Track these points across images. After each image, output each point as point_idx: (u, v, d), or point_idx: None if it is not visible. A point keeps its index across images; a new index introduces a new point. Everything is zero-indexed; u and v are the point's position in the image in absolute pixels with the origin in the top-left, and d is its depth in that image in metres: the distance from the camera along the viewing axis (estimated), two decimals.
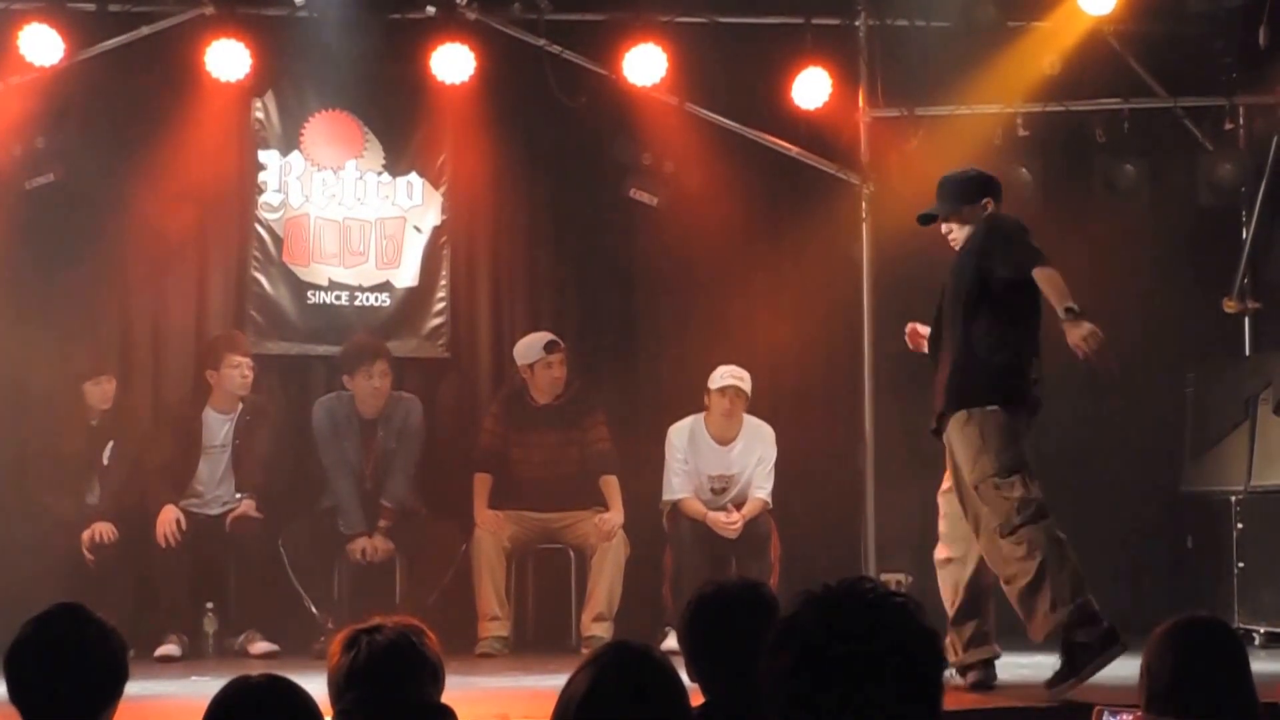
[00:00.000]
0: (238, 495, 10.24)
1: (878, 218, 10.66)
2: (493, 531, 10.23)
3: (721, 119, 10.69)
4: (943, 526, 8.11)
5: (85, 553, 10.02)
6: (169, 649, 9.73)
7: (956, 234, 8.04)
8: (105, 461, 10.30)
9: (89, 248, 10.63)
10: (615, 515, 10.32)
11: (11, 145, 10.34)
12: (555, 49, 10.44)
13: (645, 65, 10.45)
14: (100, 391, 10.33)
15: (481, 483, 10.36)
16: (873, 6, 10.69)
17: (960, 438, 7.75)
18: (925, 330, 8.25)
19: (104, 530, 10.07)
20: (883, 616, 2.77)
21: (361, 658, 4.03)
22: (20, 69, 10.18)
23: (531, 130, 10.97)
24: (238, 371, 10.26)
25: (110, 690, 4.03)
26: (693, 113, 10.69)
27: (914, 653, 2.76)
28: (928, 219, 8.17)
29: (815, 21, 10.58)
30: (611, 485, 10.39)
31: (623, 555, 10.25)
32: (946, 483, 8.00)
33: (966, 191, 8.09)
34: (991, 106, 10.60)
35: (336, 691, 4.08)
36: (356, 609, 9.87)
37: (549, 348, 10.41)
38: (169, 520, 10.01)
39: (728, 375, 10.28)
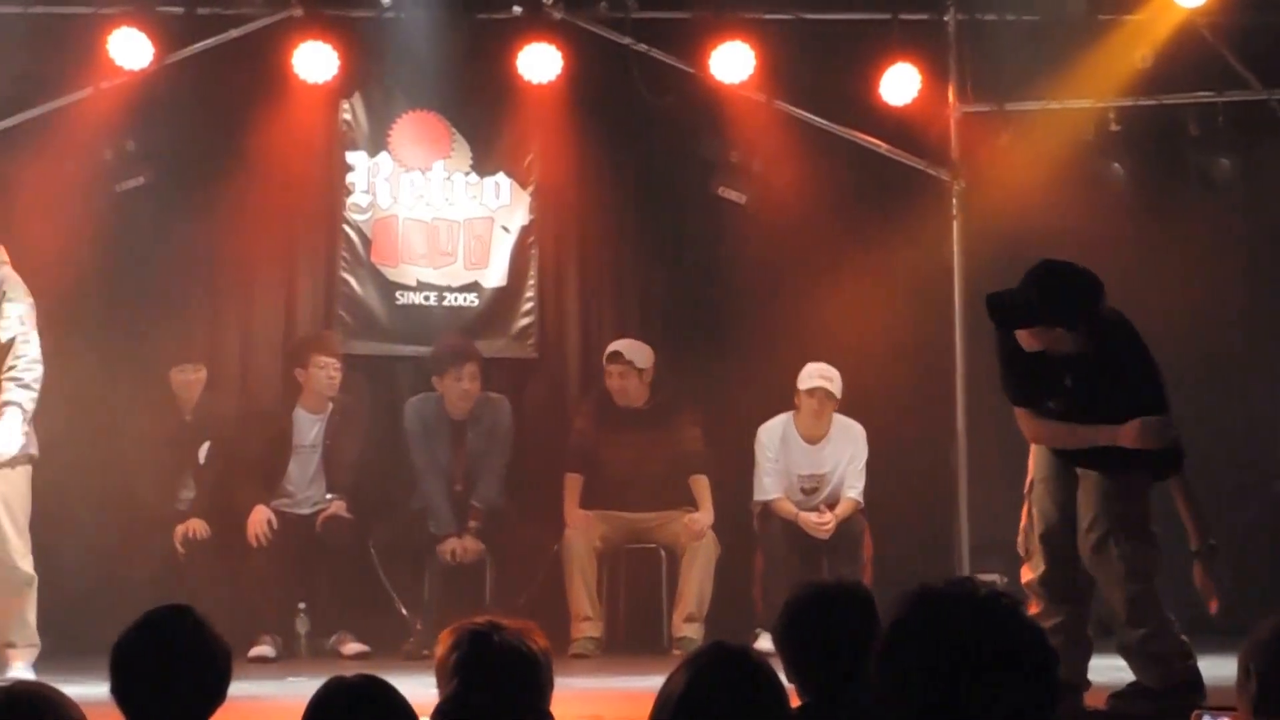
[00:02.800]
0: (329, 496, 10.27)
1: (968, 214, 10.58)
2: (584, 532, 10.21)
3: (810, 116, 10.63)
4: None
5: (178, 545, 10.11)
6: (263, 650, 9.75)
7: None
8: (201, 460, 10.36)
9: (178, 250, 10.70)
10: (705, 515, 10.28)
11: (102, 149, 10.40)
12: (642, 47, 10.40)
13: (733, 63, 10.41)
14: (186, 380, 10.39)
15: (572, 483, 10.34)
16: (961, 1, 10.60)
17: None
18: None
19: (197, 527, 10.15)
20: (994, 617, 2.74)
21: (474, 655, 4.00)
22: (110, 73, 10.23)
23: (619, 129, 10.94)
24: (324, 372, 10.30)
25: (215, 693, 4.04)
26: (781, 110, 10.64)
27: (1028, 652, 2.73)
28: None
29: (903, 17, 10.50)
30: (702, 485, 10.35)
31: (713, 555, 10.21)
32: None
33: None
34: (1083, 101, 10.49)
35: (442, 686, 4.07)
36: (446, 610, 9.89)
37: (608, 358, 10.43)
38: (260, 520, 10.05)
39: (816, 375, 10.22)
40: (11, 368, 8.33)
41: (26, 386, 8.34)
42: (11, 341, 8.37)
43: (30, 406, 8.44)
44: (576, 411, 10.70)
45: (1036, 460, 7.48)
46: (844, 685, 4.07)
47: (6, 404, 8.37)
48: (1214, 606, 7.11)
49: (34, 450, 8.68)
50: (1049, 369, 7.19)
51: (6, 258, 8.41)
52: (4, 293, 8.28)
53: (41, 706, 3.66)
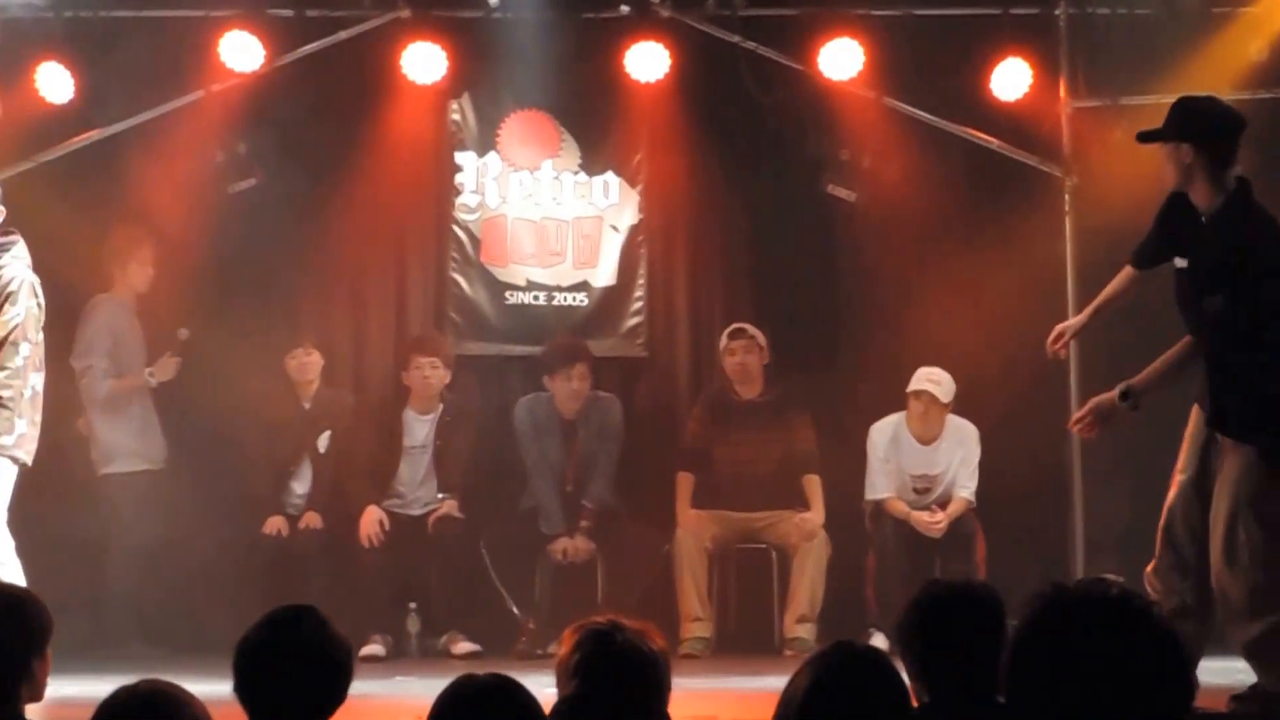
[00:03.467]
0: (440, 496, 10.29)
1: (1081, 210, 10.48)
2: (695, 532, 10.18)
3: (920, 112, 10.56)
4: None
5: (275, 532, 10.26)
6: (374, 649, 9.78)
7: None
8: (321, 450, 10.42)
9: (291, 251, 10.77)
10: (816, 515, 10.24)
11: (214, 151, 10.50)
12: (750, 45, 10.39)
13: (841, 59, 10.37)
14: (301, 364, 10.46)
15: (684, 482, 10.32)
16: None
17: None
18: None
19: (312, 520, 10.22)
20: (1128, 618, 2.71)
21: (596, 655, 4.00)
22: (221, 76, 10.32)
23: (727, 127, 10.89)
24: (420, 372, 10.34)
25: (337, 694, 4.05)
26: (890, 106, 10.58)
27: (1162, 654, 2.70)
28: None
29: (1013, 11, 10.41)
30: (814, 485, 10.31)
31: (824, 556, 10.17)
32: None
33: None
34: (1198, 95, 10.35)
35: (561, 685, 4.07)
36: (557, 610, 9.94)
37: (731, 335, 10.40)
38: (372, 521, 10.09)
39: (923, 379, 10.16)
40: None
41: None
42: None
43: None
44: (689, 412, 10.67)
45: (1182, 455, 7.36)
46: (969, 686, 4.04)
47: None
48: None
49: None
50: (1180, 240, 7.11)
51: (22, 250, 8.17)
52: (9, 294, 8.02)
53: (168, 704, 3.68)
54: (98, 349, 10.42)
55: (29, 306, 7.84)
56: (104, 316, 10.48)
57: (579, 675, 4.00)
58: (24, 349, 7.79)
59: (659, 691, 4.13)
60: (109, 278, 10.54)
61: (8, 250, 7.91)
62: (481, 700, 3.66)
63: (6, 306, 7.78)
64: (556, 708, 3.96)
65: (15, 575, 7.82)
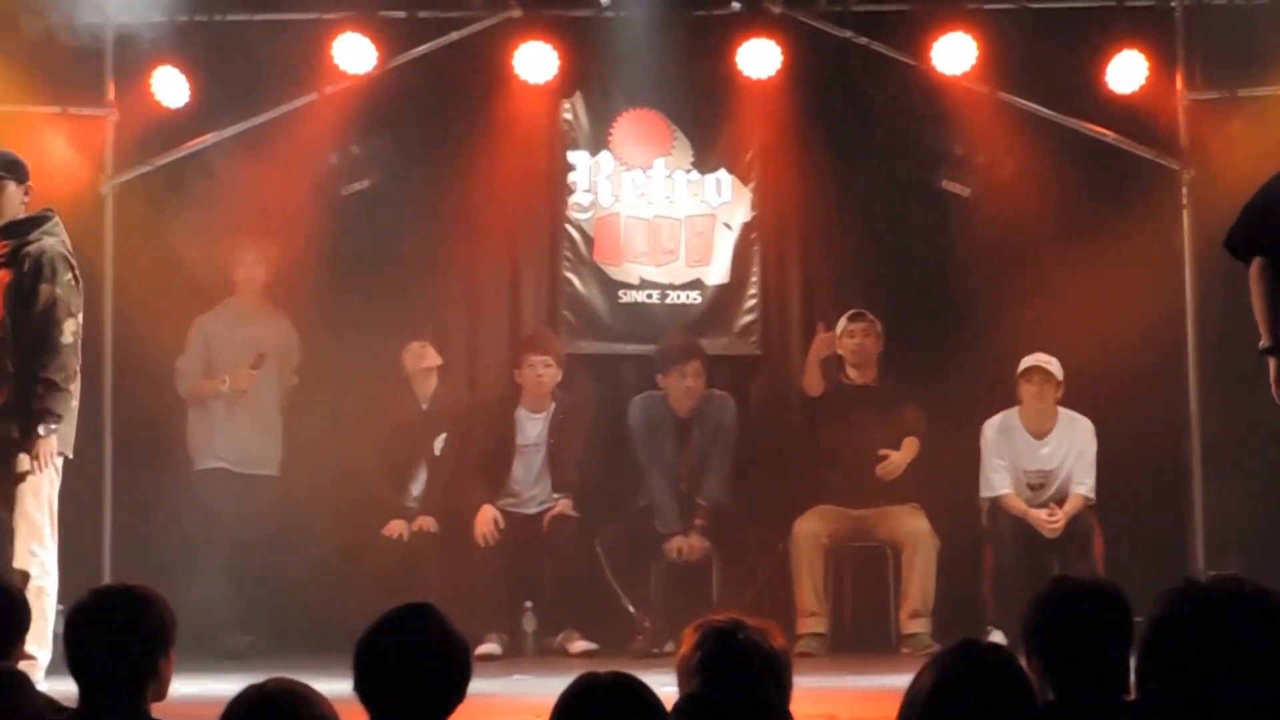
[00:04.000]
0: (554, 495, 10.29)
1: (1199, 204, 10.35)
2: (812, 528, 10.15)
3: (1034, 106, 10.47)
4: None
5: (404, 538, 10.29)
6: (489, 647, 9.79)
7: None
8: (436, 452, 10.45)
9: (403, 252, 10.83)
10: (902, 456, 10.25)
11: (327, 153, 10.59)
12: (862, 40, 10.34)
13: (955, 54, 10.31)
14: (415, 355, 10.51)
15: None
16: None
17: None
18: None
19: (426, 523, 10.25)
20: (1263, 614, 2.67)
21: (719, 653, 3.99)
22: (335, 78, 10.40)
23: (840, 123, 10.83)
24: (533, 371, 10.35)
25: (456, 691, 4.05)
26: (1004, 100, 10.50)
27: None
28: None
29: (1129, 3, 10.33)
30: (911, 444, 10.30)
31: (932, 550, 10.11)
32: None
33: None
34: None
35: (683, 683, 4.06)
36: (673, 608, 9.94)
37: (850, 318, 10.41)
38: (487, 520, 10.12)
39: (1031, 359, 10.11)
40: (43, 366, 7.82)
41: (58, 388, 7.86)
42: (41, 328, 7.88)
43: (63, 410, 7.90)
44: (815, 409, 10.60)
45: None
46: (1096, 684, 4.00)
47: (42, 412, 7.83)
48: None
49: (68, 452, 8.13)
50: None
51: (56, 226, 8.16)
52: (41, 269, 8.00)
53: (296, 702, 3.69)
54: (190, 350, 10.54)
55: (67, 280, 7.89)
56: (209, 318, 10.55)
57: (702, 673, 3.99)
58: (70, 325, 7.84)
59: (781, 690, 4.12)
60: (230, 284, 10.62)
61: (40, 226, 7.97)
62: (605, 698, 3.66)
63: (41, 283, 7.83)
64: (678, 705, 3.95)
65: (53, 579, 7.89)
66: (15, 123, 10.16)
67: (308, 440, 10.51)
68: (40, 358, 7.76)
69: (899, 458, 10.24)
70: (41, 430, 7.74)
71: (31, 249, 7.84)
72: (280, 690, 3.72)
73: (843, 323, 10.42)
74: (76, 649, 4.27)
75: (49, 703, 4.44)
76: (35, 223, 7.97)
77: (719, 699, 3.94)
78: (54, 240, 7.92)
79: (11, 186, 7.98)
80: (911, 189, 10.77)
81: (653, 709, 3.64)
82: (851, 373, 10.42)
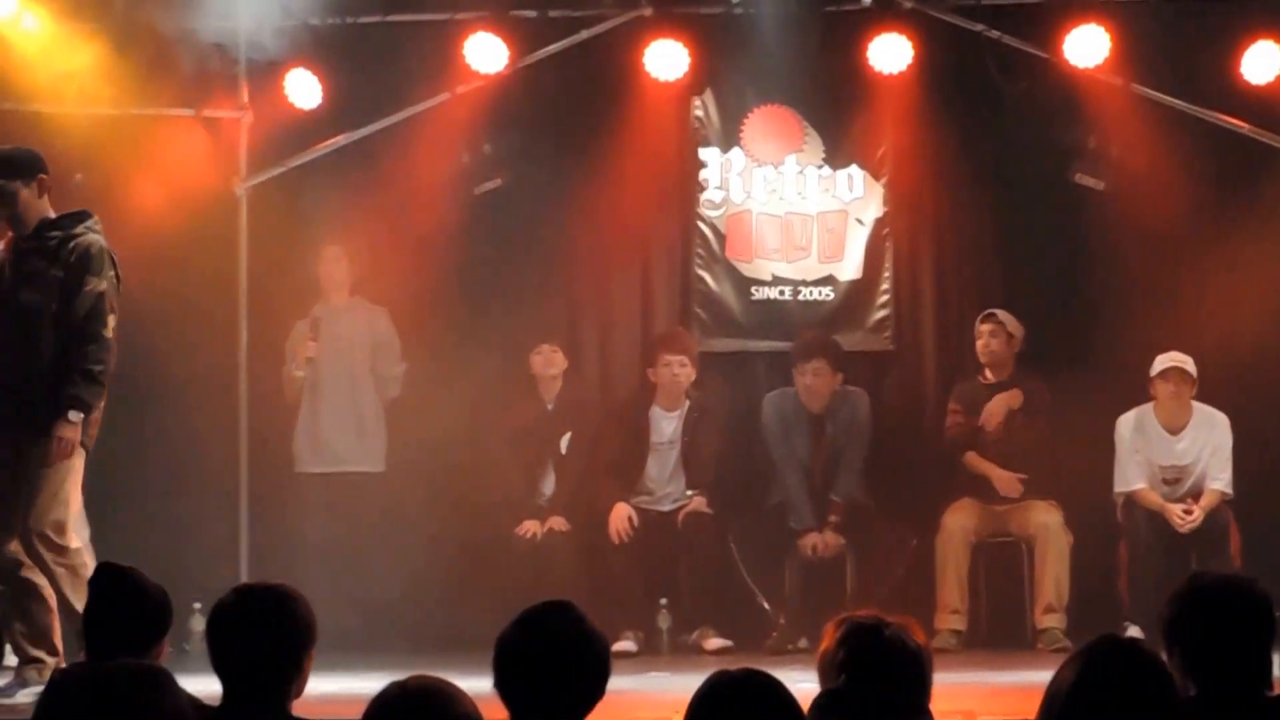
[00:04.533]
0: (689, 492, 10.29)
1: None
2: (959, 522, 10.10)
3: (1168, 98, 10.35)
4: None
5: (536, 539, 10.27)
6: (625, 645, 9.78)
7: None
8: (563, 451, 10.48)
9: (535, 251, 10.85)
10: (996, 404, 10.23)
11: (460, 152, 10.62)
12: (994, 34, 10.24)
13: (1087, 46, 10.21)
14: (545, 361, 10.52)
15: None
16: None
17: None
18: None
19: (557, 523, 10.28)
20: None
21: (862, 649, 3.98)
22: (466, 78, 10.43)
23: (972, 117, 10.73)
24: (669, 370, 10.36)
25: (595, 688, 4.05)
26: (1138, 93, 10.38)
27: None
28: None
29: None
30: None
31: (1064, 544, 10.05)
32: None
33: None
34: None
35: (824, 679, 4.06)
36: (807, 604, 9.94)
37: (982, 319, 10.35)
38: (621, 518, 10.14)
39: (1167, 359, 10.00)
40: (84, 357, 7.75)
41: (95, 380, 7.78)
42: (85, 320, 7.80)
43: (94, 402, 7.85)
44: (940, 405, 10.62)
45: None
46: (1238, 679, 3.96)
47: (74, 399, 7.77)
48: None
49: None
50: None
51: (98, 225, 8.16)
52: (89, 262, 8.00)
53: (440, 700, 3.70)
54: (290, 356, 10.61)
55: (111, 276, 7.91)
56: (299, 324, 10.63)
57: (845, 669, 3.98)
58: (111, 320, 7.86)
59: (923, 687, 4.10)
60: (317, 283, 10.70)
61: (83, 221, 8.00)
62: (740, 694, 3.64)
63: (89, 276, 7.86)
64: (818, 701, 3.93)
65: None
66: (151, 126, 10.31)
67: (434, 438, 10.52)
68: (83, 348, 7.77)
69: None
70: (72, 416, 7.68)
71: (78, 243, 7.84)
72: (423, 687, 3.72)
73: (977, 324, 10.37)
74: (220, 647, 4.31)
75: (192, 701, 4.49)
76: (79, 218, 7.95)
77: (861, 695, 3.92)
78: (98, 237, 7.94)
79: (20, 188, 7.85)
80: (1045, 182, 10.66)
81: (788, 706, 3.63)
82: (987, 373, 10.36)
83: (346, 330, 10.64)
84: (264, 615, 4.32)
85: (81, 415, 7.73)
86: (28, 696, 7.30)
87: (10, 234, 7.91)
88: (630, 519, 10.13)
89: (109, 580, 4.99)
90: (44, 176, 7.89)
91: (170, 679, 3.74)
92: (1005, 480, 10.18)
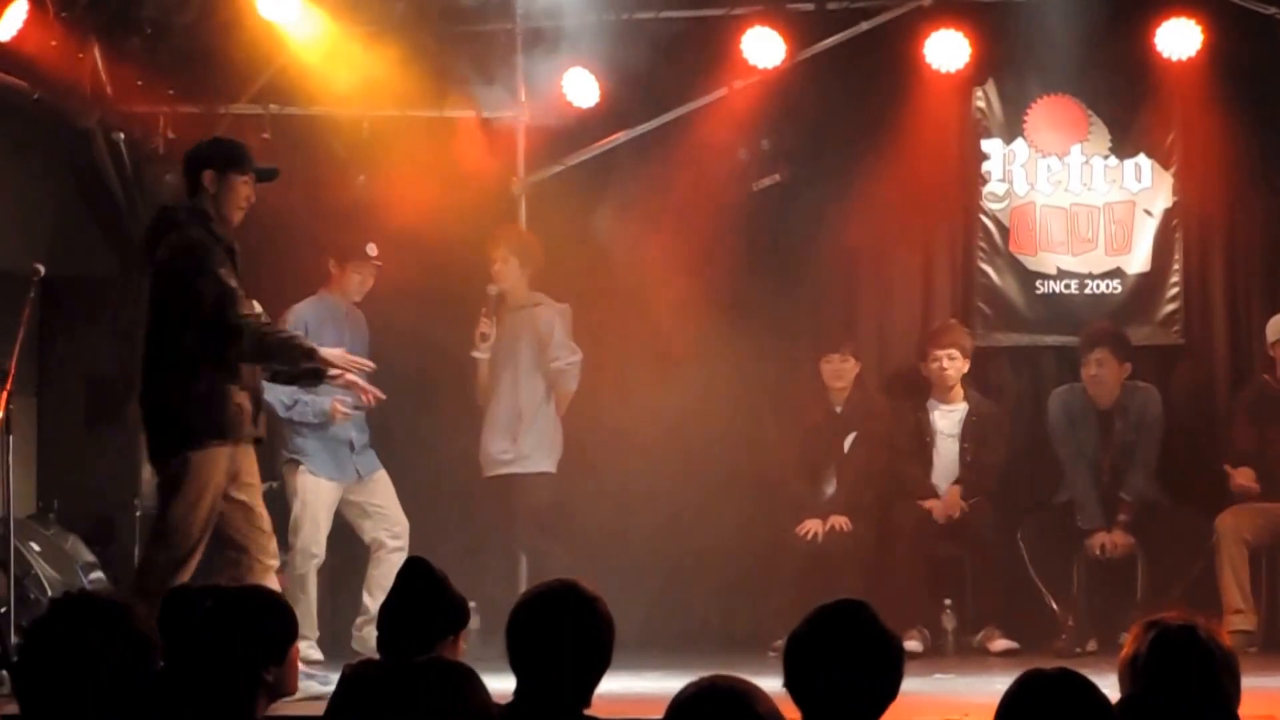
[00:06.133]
0: (972, 498, 10.17)
1: None
2: (1233, 524, 9.79)
3: None
4: None
5: (819, 538, 10.16)
6: (911, 645, 9.65)
7: None
8: (845, 450, 10.37)
9: (815, 247, 10.78)
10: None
11: (737, 148, 10.59)
12: None
13: None
14: (835, 370, 10.42)
15: (1241, 475, 9.92)
16: None
17: None
18: None
19: (839, 523, 10.16)
20: None
21: (1172, 652, 3.84)
22: (744, 72, 10.40)
23: (1266, 103, 10.40)
24: (937, 365, 10.31)
25: (888, 689, 4.00)
26: None
27: None
28: None
29: None
30: None
31: None
32: None
33: None
34: None
35: (1125, 682, 3.93)
36: (1096, 605, 9.81)
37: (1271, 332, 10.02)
38: (903, 516, 10.05)
39: None
40: None
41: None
42: None
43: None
44: (1229, 404, 10.39)
45: None
46: None
47: None
48: None
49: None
50: None
51: None
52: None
53: (743, 699, 3.65)
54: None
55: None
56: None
57: (1155, 673, 3.85)
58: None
59: (1233, 692, 3.96)
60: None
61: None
62: (1055, 694, 3.57)
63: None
64: (1124, 705, 3.80)
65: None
66: (432, 127, 10.39)
67: (715, 426, 10.45)
68: None
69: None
70: None
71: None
72: (724, 687, 3.68)
73: (1270, 326, 10.07)
74: (519, 645, 4.26)
75: None
76: None
77: (1173, 700, 3.78)
78: None
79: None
80: None
81: (1103, 709, 3.52)
82: (1276, 376, 10.06)
83: (511, 328, 10.42)
84: (563, 617, 4.27)
85: None
86: None
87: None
88: (915, 517, 10.06)
89: (413, 575, 4.99)
90: None
91: (475, 676, 3.73)
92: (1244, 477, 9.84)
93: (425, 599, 4.86)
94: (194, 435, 7.62)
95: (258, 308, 7.97)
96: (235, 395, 7.66)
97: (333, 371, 7.90)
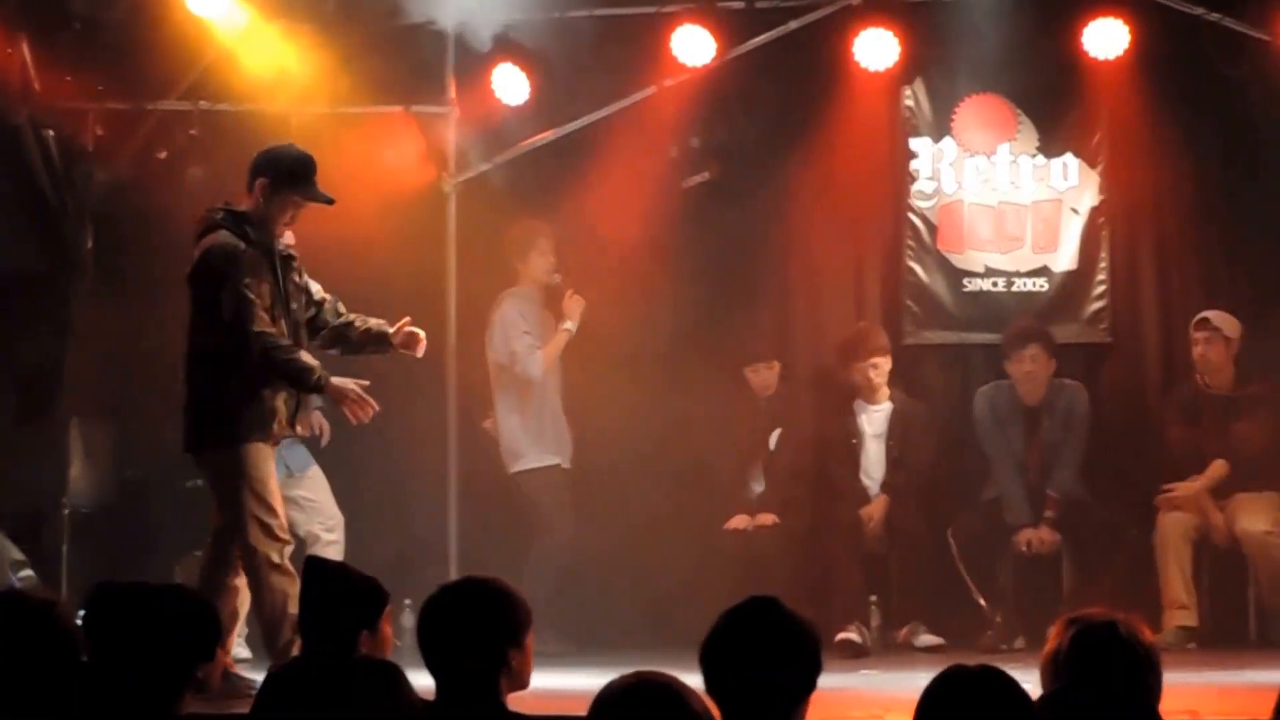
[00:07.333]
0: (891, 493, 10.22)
1: None
2: (1178, 518, 9.86)
3: None
4: None
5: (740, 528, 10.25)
6: (849, 635, 9.71)
7: None
8: (771, 447, 10.37)
9: (745, 244, 10.82)
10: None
11: (668, 146, 10.59)
12: (1214, 17, 9.98)
13: None
14: (761, 379, 10.44)
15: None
16: None
17: None
18: None
19: (766, 519, 10.21)
20: None
21: (1090, 649, 3.86)
22: (673, 70, 10.39)
23: (1191, 103, 10.45)
24: (867, 372, 10.32)
25: (806, 683, 3.97)
26: None
27: None
28: None
29: None
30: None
31: (1270, 546, 9.79)
32: None
33: None
34: None
35: (1047, 679, 3.96)
36: (1024, 602, 9.82)
37: (1195, 325, 10.10)
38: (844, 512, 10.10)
39: None
40: None
41: None
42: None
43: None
44: (1158, 403, 10.46)
45: None
46: None
47: None
48: None
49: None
50: None
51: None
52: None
53: (669, 696, 3.64)
54: (518, 328, 10.46)
55: None
56: (511, 304, 10.51)
57: (1076, 669, 3.87)
58: None
59: (1154, 687, 3.98)
60: (512, 273, 10.60)
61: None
62: (975, 689, 3.57)
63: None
64: (1045, 700, 3.81)
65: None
66: (360, 123, 10.34)
67: (641, 426, 10.46)
68: None
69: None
70: None
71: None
72: (651, 683, 3.66)
73: (1191, 329, 10.13)
74: (430, 643, 4.28)
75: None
76: None
77: (1093, 696, 3.79)
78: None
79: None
80: (1270, 169, 10.37)
81: (1023, 704, 3.52)
82: (1206, 379, 10.12)
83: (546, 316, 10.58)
84: (471, 611, 4.28)
85: None
86: None
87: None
88: (851, 514, 10.11)
89: (313, 576, 5.00)
90: None
91: (400, 673, 3.72)
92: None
93: (331, 597, 4.84)
94: (233, 432, 7.64)
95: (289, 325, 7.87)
96: (269, 398, 7.69)
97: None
